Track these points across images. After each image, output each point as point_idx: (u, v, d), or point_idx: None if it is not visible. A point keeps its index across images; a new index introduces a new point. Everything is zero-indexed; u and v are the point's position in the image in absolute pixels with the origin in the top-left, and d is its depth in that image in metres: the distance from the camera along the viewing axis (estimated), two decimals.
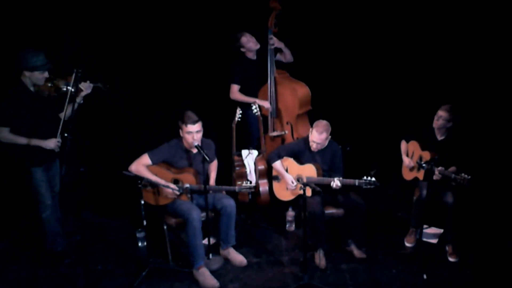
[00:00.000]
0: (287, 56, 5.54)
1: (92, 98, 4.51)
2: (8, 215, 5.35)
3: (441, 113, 4.64)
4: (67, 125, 4.21)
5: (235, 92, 5.48)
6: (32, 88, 4.32)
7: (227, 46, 5.73)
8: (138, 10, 5.64)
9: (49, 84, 4.29)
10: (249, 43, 5.40)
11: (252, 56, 5.49)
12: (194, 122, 4.35)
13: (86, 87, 4.38)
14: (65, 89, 4.25)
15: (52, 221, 4.58)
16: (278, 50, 5.51)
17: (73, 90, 4.20)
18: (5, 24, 5.26)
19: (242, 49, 5.44)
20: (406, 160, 4.88)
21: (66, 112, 4.42)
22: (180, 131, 4.43)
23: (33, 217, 5.29)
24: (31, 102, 4.31)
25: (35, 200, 4.52)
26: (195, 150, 4.48)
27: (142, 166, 4.39)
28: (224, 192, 4.65)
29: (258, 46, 5.43)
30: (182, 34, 5.81)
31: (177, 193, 4.41)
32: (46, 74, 4.29)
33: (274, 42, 5.39)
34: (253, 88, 5.50)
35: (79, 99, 4.40)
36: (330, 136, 4.67)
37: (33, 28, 5.30)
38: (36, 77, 4.26)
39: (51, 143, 4.33)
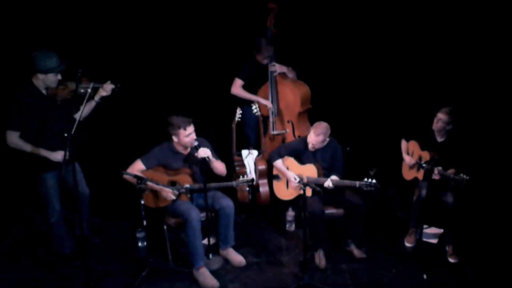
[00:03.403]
0: (290, 75, 5.54)
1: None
2: (9, 213, 5.36)
3: (441, 116, 4.64)
4: (67, 125, 4.19)
5: (238, 86, 5.46)
6: (44, 91, 4.29)
7: (228, 46, 5.73)
8: (135, 10, 5.63)
9: (62, 87, 4.26)
10: (264, 50, 5.33)
11: (264, 61, 5.46)
12: (190, 123, 4.36)
13: (108, 89, 4.32)
14: (82, 90, 4.17)
15: (60, 225, 4.58)
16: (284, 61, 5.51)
17: (82, 91, 4.17)
18: (10, 25, 5.29)
19: (256, 51, 5.40)
20: (407, 158, 4.88)
21: (82, 113, 4.37)
22: (175, 137, 4.41)
23: (34, 215, 5.35)
24: (43, 105, 4.27)
25: (44, 204, 4.52)
26: (186, 151, 4.48)
27: (136, 172, 4.38)
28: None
29: (265, 62, 5.41)
30: (181, 34, 5.80)
31: (176, 194, 4.41)
32: (59, 76, 4.27)
33: (276, 68, 5.40)
34: (254, 89, 5.50)
35: (97, 98, 4.37)
36: (328, 139, 4.67)
37: (34, 29, 5.31)
38: (50, 80, 4.23)
39: (59, 156, 4.28)
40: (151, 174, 4.44)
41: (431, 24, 5.73)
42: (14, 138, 4.25)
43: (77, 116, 4.43)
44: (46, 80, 4.25)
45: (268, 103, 5.42)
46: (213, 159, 4.44)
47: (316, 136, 4.60)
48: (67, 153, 4.05)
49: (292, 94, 5.41)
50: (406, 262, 4.56)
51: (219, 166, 4.56)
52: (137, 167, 4.43)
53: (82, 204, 4.63)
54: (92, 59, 5.32)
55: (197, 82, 5.95)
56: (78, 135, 4.34)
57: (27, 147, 4.28)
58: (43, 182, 4.43)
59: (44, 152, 4.29)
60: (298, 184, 4.68)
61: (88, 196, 4.71)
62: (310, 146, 4.68)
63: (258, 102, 5.39)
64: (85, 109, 4.40)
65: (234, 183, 4.59)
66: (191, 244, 4.33)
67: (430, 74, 5.87)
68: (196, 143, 4.37)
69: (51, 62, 4.19)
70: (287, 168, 4.81)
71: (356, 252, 4.63)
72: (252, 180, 4.56)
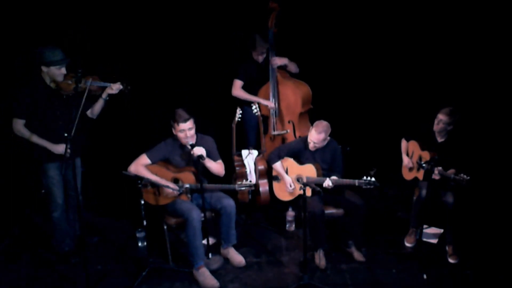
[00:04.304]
0: (292, 69, 5.52)
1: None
2: (9, 212, 5.36)
3: (442, 117, 4.63)
4: (68, 123, 4.19)
5: (238, 88, 5.47)
6: (51, 85, 4.37)
7: (228, 46, 5.73)
8: (136, 10, 5.64)
9: (68, 82, 4.33)
10: (258, 46, 5.36)
11: (259, 59, 5.47)
12: (185, 120, 4.34)
13: (115, 88, 4.41)
14: (81, 84, 4.24)
15: (62, 221, 4.60)
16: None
17: (80, 84, 4.24)
18: (12, 25, 5.32)
19: (251, 48, 5.42)
20: (406, 160, 4.88)
21: (93, 109, 4.53)
22: (173, 130, 4.43)
23: (34, 215, 5.35)
24: (48, 98, 4.36)
25: (46, 198, 4.55)
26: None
27: (141, 166, 4.39)
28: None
29: (260, 59, 5.43)
30: (182, 34, 5.81)
31: (177, 193, 4.41)
32: (63, 70, 4.34)
33: (276, 62, 5.38)
34: (252, 89, 5.50)
35: (104, 96, 4.45)
36: (329, 138, 4.67)
37: (35, 28, 5.33)
38: (53, 73, 4.31)
39: (60, 148, 4.33)
40: (155, 169, 4.44)
41: (431, 24, 5.74)
42: (18, 126, 4.35)
43: (88, 113, 4.55)
44: (50, 73, 4.33)
45: (269, 103, 5.42)
46: (207, 159, 4.43)
47: (317, 134, 4.59)
48: (67, 153, 4.07)
49: (293, 95, 5.40)
50: (406, 262, 4.56)
51: (213, 167, 4.52)
52: (142, 161, 4.43)
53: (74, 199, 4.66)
54: (93, 59, 5.34)
55: (197, 82, 5.96)
56: (81, 133, 4.39)
57: (31, 136, 4.35)
58: (44, 173, 4.46)
59: (46, 144, 4.36)
60: (292, 191, 4.73)
61: (77, 193, 4.69)
62: (311, 145, 4.67)
63: (258, 103, 5.39)
64: (96, 107, 4.52)
65: (236, 186, 4.58)
66: (191, 244, 4.33)
67: (430, 74, 5.87)
68: (190, 142, 4.37)
69: (53, 55, 4.28)
70: (286, 170, 4.81)
71: (356, 255, 4.62)
72: (254, 185, 4.57)
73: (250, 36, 5.42)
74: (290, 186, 4.74)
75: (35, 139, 4.35)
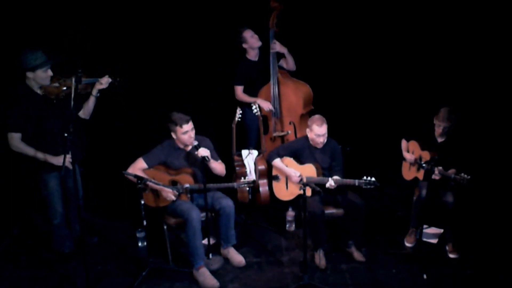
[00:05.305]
0: (289, 63, 5.49)
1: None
2: (9, 213, 5.36)
3: (443, 123, 4.60)
4: (67, 125, 4.16)
5: (240, 93, 5.50)
6: (39, 91, 4.23)
7: (228, 46, 5.73)
8: (136, 10, 5.64)
9: (56, 85, 4.18)
10: (252, 39, 5.38)
11: (254, 57, 5.48)
12: (187, 121, 4.36)
13: (104, 82, 4.32)
14: (72, 87, 4.08)
15: (62, 227, 4.59)
16: (281, 56, 5.48)
17: (78, 87, 4.12)
18: (8, 25, 5.30)
19: (245, 45, 5.40)
20: (408, 156, 4.86)
21: (84, 109, 4.44)
22: (173, 134, 4.42)
23: (34, 215, 5.35)
24: (38, 105, 4.22)
25: (46, 204, 4.52)
26: (188, 148, 4.48)
27: (138, 170, 4.38)
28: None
29: (260, 44, 5.41)
30: (182, 34, 5.81)
31: (176, 195, 4.40)
32: (49, 73, 4.20)
33: (276, 47, 5.36)
34: (254, 89, 5.50)
35: (94, 92, 4.36)
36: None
37: (35, 28, 5.32)
38: (40, 77, 4.16)
39: (62, 160, 4.17)
40: (152, 173, 4.44)
41: (431, 24, 5.74)
42: (15, 141, 4.21)
43: (81, 114, 4.47)
44: (37, 78, 4.18)
45: (266, 105, 5.40)
46: (211, 160, 4.44)
47: (320, 127, 4.58)
48: (68, 154, 4.04)
49: (294, 96, 5.39)
50: (406, 262, 4.56)
51: (218, 167, 4.55)
52: (139, 165, 4.42)
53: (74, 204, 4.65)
54: (92, 59, 5.34)
55: (197, 82, 5.96)
56: (77, 138, 4.35)
57: (30, 151, 4.24)
58: (45, 184, 4.42)
59: (47, 157, 4.26)
60: (299, 178, 4.60)
61: (81, 197, 4.67)
62: (320, 140, 4.62)
63: (256, 102, 5.38)
64: (88, 106, 4.42)
65: (235, 184, 4.58)
66: (191, 244, 4.33)
67: (430, 74, 5.87)
68: (195, 143, 4.37)
69: (36, 58, 4.12)
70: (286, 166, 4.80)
71: (356, 255, 4.61)
72: (253, 182, 4.56)
73: (236, 33, 5.40)
74: (295, 174, 4.64)
75: (34, 153, 4.23)
